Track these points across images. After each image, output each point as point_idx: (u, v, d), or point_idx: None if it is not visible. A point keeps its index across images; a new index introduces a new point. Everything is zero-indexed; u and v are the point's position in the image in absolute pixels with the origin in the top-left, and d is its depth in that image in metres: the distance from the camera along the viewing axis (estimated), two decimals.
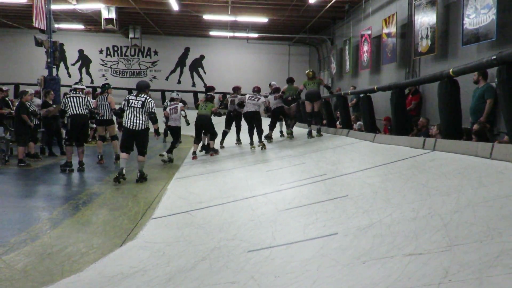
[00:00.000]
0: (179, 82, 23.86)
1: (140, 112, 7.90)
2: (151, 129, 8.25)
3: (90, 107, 9.23)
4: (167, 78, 23.84)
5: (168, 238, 4.47)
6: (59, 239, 4.76)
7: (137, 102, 7.94)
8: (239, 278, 3.00)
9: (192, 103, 22.08)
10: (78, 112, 8.98)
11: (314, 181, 5.56)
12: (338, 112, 11.66)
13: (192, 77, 24.03)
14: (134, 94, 8.17)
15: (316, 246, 3.29)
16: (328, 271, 2.73)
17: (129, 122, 7.89)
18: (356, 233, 3.32)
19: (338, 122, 11.55)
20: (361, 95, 9.27)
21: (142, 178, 8.06)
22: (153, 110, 7.95)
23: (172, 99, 11.52)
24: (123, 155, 8.00)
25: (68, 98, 9.06)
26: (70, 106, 8.97)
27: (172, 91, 14.74)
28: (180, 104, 11.01)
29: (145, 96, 8.04)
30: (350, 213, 3.87)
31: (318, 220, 3.95)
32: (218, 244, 3.96)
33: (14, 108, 10.43)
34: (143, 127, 7.94)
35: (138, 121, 7.88)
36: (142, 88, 8.15)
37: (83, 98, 9.10)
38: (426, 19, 9.73)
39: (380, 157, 5.77)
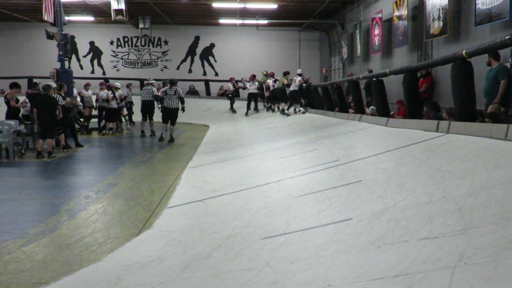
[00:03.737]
0: (190, 71, 23.86)
1: (174, 98, 12.40)
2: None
3: (154, 94, 13.76)
4: (178, 68, 23.86)
5: (183, 227, 4.51)
6: (76, 230, 4.84)
7: (172, 91, 12.40)
8: (254, 264, 3.03)
9: (203, 91, 22.13)
10: (145, 99, 13.90)
11: (327, 167, 5.56)
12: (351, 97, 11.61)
13: (203, 65, 24.01)
14: (169, 87, 12.55)
15: (331, 232, 3.30)
16: (342, 257, 2.75)
17: (167, 104, 12.44)
18: (370, 218, 3.32)
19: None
20: (373, 79, 9.19)
21: (171, 140, 12.43)
22: (182, 96, 12.62)
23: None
24: (163, 125, 12.66)
25: (142, 90, 14.31)
26: (143, 95, 13.99)
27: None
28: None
29: (176, 87, 12.51)
30: (364, 198, 3.87)
31: (332, 206, 3.96)
32: (233, 231, 3.99)
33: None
34: (175, 107, 12.46)
35: (172, 103, 12.44)
36: (175, 83, 12.65)
37: (149, 90, 13.96)
38: (437, 0, 9.58)
39: (393, 141, 5.74)
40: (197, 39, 23.89)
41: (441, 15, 9.48)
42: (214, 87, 22.29)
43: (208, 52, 23.97)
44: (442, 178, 3.65)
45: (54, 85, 10.96)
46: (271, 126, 12.28)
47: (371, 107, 10.56)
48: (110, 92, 14.21)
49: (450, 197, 3.15)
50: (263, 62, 22.16)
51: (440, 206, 3.06)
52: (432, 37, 10.10)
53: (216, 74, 23.64)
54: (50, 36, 12.83)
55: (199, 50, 23.98)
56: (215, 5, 17.75)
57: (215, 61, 23.98)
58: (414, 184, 3.78)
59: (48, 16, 12.33)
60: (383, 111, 8.39)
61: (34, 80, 13.73)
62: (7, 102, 11.03)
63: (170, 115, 12.44)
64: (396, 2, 12.20)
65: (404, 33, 11.81)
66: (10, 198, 6.34)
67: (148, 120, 14.13)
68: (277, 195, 4.92)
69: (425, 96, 9.69)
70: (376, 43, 14.09)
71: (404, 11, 11.70)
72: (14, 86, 11.25)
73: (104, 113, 14.59)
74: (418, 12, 11.25)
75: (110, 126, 14.56)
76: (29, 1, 17.62)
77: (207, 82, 22.42)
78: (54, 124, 9.98)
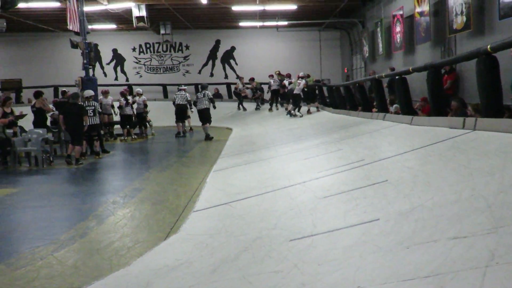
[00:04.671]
0: (211, 75, 23.98)
1: (203, 100, 13.87)
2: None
3: (187, 99, 14.72)
4: (199, 72, 24.01)
5: (210, 230, 4.54)
6: (105, 235, 4.92)
7: (201, 95, 14.00)
8: (282, 267, 3.03)
9: (226, 95, 22.22)
10: (178, 103, 14.73)
11: (352, 167, 5.53)
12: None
13: (224, 69, 24.12)
14: (200, 91, 14.31)
15: (358, 233, 3.28)
16: (371, 258, 2.73)
17: (198, 106, 13.94)
18: (398, 218, 3.30)
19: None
20: (396, 77, 9.08)
21: (208, 138, 13.53)
22: (211, 97, 14.18)
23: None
24: (202, 126, 14.04)
25: (175, 95, 15.11)
26: (176, 99, 14.83)
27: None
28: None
29: (206, 91, 14.10)
30: (390, 198, 3.84)
31: (358, 206, 3.94)
32: (259, 234, 4.00)
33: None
34: (206, 107, 13.86)
35: (203, 105, 13.85)
36: (205, 87, 14.44)
37: (182, 95, 14.79)
38: None
39: (419, 139, 5.67)
40: (217, 42, 24.02)
41: (464, 10, 9.33)
42: None
43: (229, 55, 24.07)
44: (470, 175, 3.59)
45: (91, 92, 11.17)
46: (294, 127, 12.26)
47: (394, 105, 10.44)
48: (123, 99, 14.37)
49: (479, 195, 3.10)
50: (284, 63, 22.10)
51: (469, 204, 3.01)
52: (455, 32, 9.95)
53: (238, 77, 23.68)
54: (74, 45, 13.05)
55: (220, 54, 24.10)
56: (235, 8, 17.83)
57: (236, 64, 24.06)
58: (441, 182, 3.73)
59: (73, 26, 12.56)
60: (407, 109, 8.30)
61: (63, 89, 14.12)
62: (36, 111, 11.28)
63: (202, 115, 13.87)
64: None
65: (426, 29, 11.66)
66: (40, 205, 6.49)
67: (181, 122, 15.14)
68: (302, 196, 4.92)
69: (450, 92, 9.54)
70: (398, 40, 13.95)
71: (425, 7, 11.56)
72: (40, 94, 11.52)
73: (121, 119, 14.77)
74: (440, 8, 11.10)
75: (135, 131, 14.78)
76: (53, 11, 17.99)
77: (229, 85, 22.49)
78: (82, 132, 10.16)
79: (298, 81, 14.68)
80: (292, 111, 14.91)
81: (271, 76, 18.32)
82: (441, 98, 7.26)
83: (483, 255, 2.20)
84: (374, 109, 10.76)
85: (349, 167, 5.59)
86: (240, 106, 19.50)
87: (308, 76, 15.87)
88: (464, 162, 3.97)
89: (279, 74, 17.98)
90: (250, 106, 19.36)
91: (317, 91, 16.93)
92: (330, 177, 5.42)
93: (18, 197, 7.10)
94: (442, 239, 2.61)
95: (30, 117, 11.39)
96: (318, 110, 15.04)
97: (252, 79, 19.56)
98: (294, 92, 14.71)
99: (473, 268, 2.10)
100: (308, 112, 14.87)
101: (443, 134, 5.30)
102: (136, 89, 16.07)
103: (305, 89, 14.70)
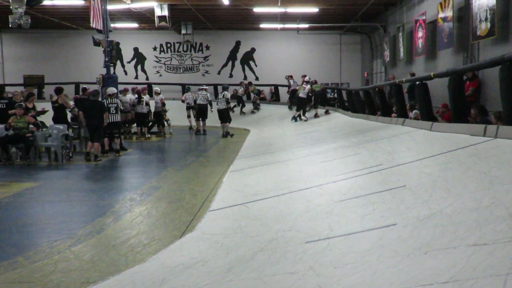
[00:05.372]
0: (231, 75, 24.02)
1: (223, 100, 14.95)
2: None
3: (208, 99, 15.64)
4: (219, 72, 24.07)
5: (226, 230, 4.55)
6: (122, 231, 4.97)
7: (221, 96, 15.15)
8: (298, 268, 3.02)
9: (245, 96, 22.26)
10: (200, 103, 15.65)
11: (370, 171, 5.48)
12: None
13: (243, 70, 24.14)
14: (220, 92, 15.56)
15: (375, 237, 3.26)
16: (388, 262, 2.71)
17: (218, 106, 14.99)
18: (416, 223, 3.26)
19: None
20: (417, 82, 8.99)
21: (228, 135, 14.66)
22: (228, 97, 15.12)
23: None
24: (221, 124, 15.02)
25: (197, 94, 15.99)
26: (198, 99, 15.76)
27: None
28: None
29: (226, 92, 15.13)
30: (408, 204, 3.80)
31: (375, 210, 3.90)
32: (275, 235, 4.00)
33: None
34: (222, 108, 14.94)
35: (222, 105, 14.92)
36: (226, 88, 15.46)
37: (204, 95, 15.64)
38: (484, 0, 9.30)
39: (438, 145, 5.60)
40: (238, 44, 24.06)
41: (488, 16, 9.19)
42: None
43: (248, 57, 24.09)
44: (490, 183, 3.54)
45: (114, 90, 11.29)
46: (312, 130, 12.23)
47: (414, 111, 10.34)
48: (134, 97, 14.40)
49: (500, 203, 3.05)
50: (303, 66, 22.06)
51: (489, 212, 2.97)
52: (479, 39, 9.81)
53: (257, 79, 23.70)
54: (96, 43, 13.17)
55: (240, 55, 24.12)
56: (256, 10, 17.85)
57: (256, 65, 24.07)
58: (461, 189, 3.68)
59: (96, 24, 12.70)
60: (427, 115, 8.20)
61: (83, 86, 14.28)
62: (56, 107, 11.44)
63: (221, 115, 15.00)
64: (441, 4, 11.92)
65: (449, 35, 11.52)
66: (59, 200, 6.59)
67: (202, 121, 15.89)
68: (319, 199, 4.90)
69: (472, 99, 9.41)
70: (420, 45, 13.80)
71: (449, 13, 11.42)
72: (61, 90, 11.68)
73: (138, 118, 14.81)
74: (464, 14, 10.96)
75: (155, 129, 14.90)
76: (77, 9, 18.23)
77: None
78: (101, 129, 10.27)
79: (303, 85, 15.22)
80: (297, 116, 15.30)
81: (289, 77, 18.93)
82: (462, 105, 7.16)
83: (504, 263, 2.17)
84: (393, 114, 10.67)
85: (366, 171, 5.54)
86: (239, 108, 20.58)
87: (316, 82, 16.10)
88: (485, 170, 3.91)
89: (290, 77, 18.87)
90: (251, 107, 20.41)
91: (335, 95, 17.03)
92: (348, 181, 5.39)
93: (38, 191, 7.22)
94: (462, 246, 2.57)
95: (51, 112, 11.57)
96: (328, 113, 15.35)
97: (249, 83, 21.02)
98: (300, 96, 15.18)
99: (494, 276, 2.07)
100: (316, 116, 15.22)
101: (463, 141, 5.23)
102: (154, 88, 16.23)
103: (310, 94, 15.19)
